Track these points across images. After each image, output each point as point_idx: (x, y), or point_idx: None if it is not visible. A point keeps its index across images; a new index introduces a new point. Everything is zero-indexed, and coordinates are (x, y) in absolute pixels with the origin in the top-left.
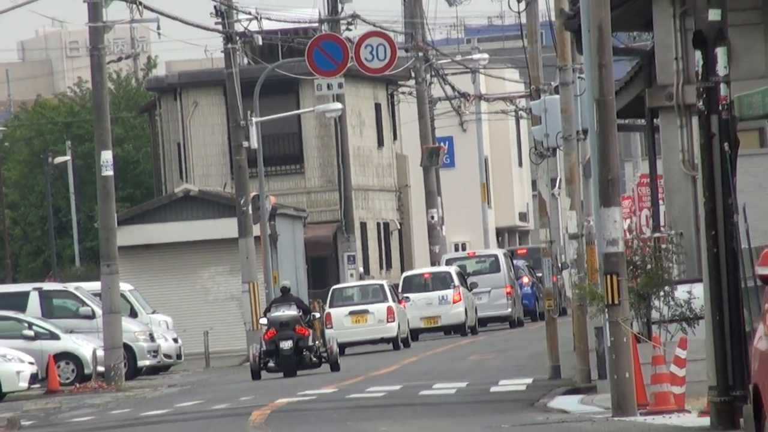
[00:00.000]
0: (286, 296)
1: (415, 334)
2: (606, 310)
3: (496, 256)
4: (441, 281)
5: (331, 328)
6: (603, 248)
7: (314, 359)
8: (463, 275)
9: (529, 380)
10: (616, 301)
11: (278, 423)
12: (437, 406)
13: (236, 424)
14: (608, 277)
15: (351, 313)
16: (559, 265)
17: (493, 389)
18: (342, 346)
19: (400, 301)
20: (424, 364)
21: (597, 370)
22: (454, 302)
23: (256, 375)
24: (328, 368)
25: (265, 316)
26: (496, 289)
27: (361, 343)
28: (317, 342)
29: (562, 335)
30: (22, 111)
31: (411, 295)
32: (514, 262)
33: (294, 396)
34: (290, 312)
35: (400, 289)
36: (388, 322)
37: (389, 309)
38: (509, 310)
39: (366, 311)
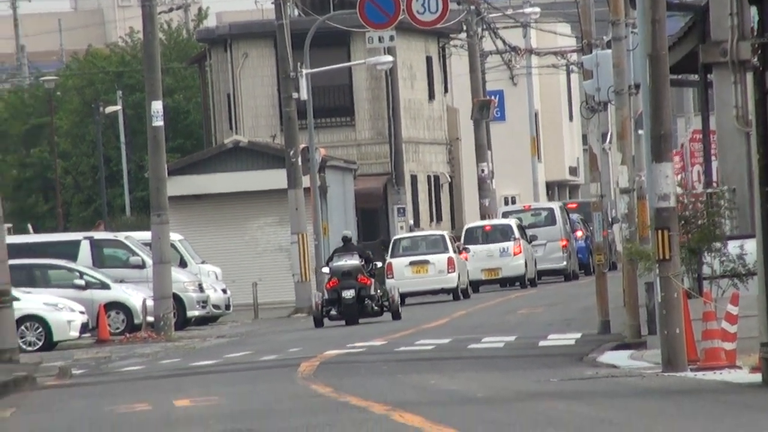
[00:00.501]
0: (348, 246)
1: (475, 285)
2: (656, 265)
3: (551, 210)
4: (502, 234)
5: (392, 278)
6: (654, 203)
7: (376, 308)
8: (523, 228)
9: (578, 335)
10: (667, 257)
11: (327, 374)
12: (486, 359)
13: (285, 375)
14: (659, 232)
15: (412, 263)
16: (610, 219)
17: (542, 343)
18: (402, 296)
19: (460, 252)
20: (474, 317)
21: (647, 326)
22: (515, 255)
23: (318, 323)
24: (390, 317)
25: (327, 265)
26: (551, 242)
27: (422, 293)
28: (378, 291)
29: (612, 290)
30: (73, 61)
31: (472, 247)
32: (569, 215)
33: (343, 348)
34: (352, 261)
35: (462, 241)
36: (448, 272)
37: (449, 260)
38: (564, 263)
39: (427, 261)
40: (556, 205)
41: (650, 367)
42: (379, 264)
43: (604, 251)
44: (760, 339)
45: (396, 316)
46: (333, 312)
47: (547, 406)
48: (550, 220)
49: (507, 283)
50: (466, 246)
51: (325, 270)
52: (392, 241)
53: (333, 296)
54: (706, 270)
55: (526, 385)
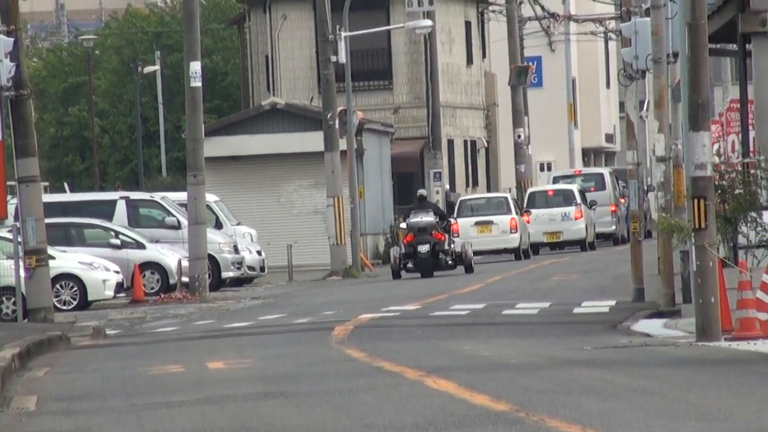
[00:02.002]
0: (423, 203)
1: (535, 248)
2: (692, 234)
3: (602, 175)
4: (564, 198)
5: (458, 236)
6: (691, 172)
7: (449, 262)
8: (583, 193)
9: (613, 302)
10: (702, 226)
11: (361, 338)
12: (520, 326)
13: (319, 338)
14: (695, 201)
15: (476, 223)
16: (645, 187)
17: (576, 310)
18: None
19: (522, 215)
20: (508, 283)
21: (681, 294)
22: (576, 219)
23: (396, 275)
24: (462, 270)
25: (404, 221)
26: (601, 207)
27: (485, 252)
28: (452, 246)
29: (647, 258)
30: (112, 20)
31: (534, 211)
32: (619, 181)
33: (377, 312)
34: (427, 218)
35: (524, 204)
36: (511, 233)
37: (512, 220)
38: (614, 227)
39: (491, 222)
40: (606, 171)
41: (684, 336)
42: (453, 221)
43: (640, 219)
44: None
45: (469, 269)
46: (409, 265)
47: (581, 374)
48: (600, 185)
49: (567, 246)
50: (528, 209)
51: (402, 225)
52: (458, 201)
53: (409, 250)
54: (741, 240)
55: (560, 352)
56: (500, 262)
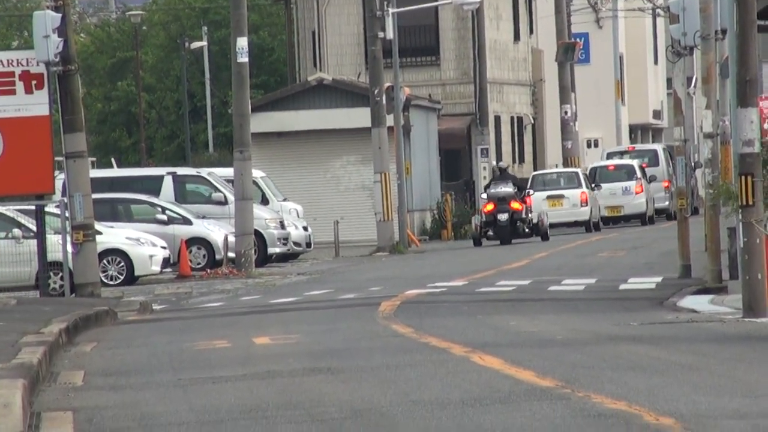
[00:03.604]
0: (504, 174)
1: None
2: (740, 210)
3: (655, 151)
4: (625, 173)
5: (531, 210)
6: (738, 148)
7: (527, 230)
8: (644, 168)
9: (659, 279)
10: (750, 202)
11: (408, 314)
12: (566, 302)
13: (365, 314)
14: (743, 177)
15: (549, 197)
16: (692, 164)
17: (623, 287)
18: None
19: (592, 189)
20: (555, 259)
21: (728, 271)
22: (636, 194)
23: (477, 242)
24: (539, 239)
25: (485, 191)
26: (654, 183)
27: (557, 225)
28: (530, 215)
29: (694, 235)
30: None
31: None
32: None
33: (424, 288)
34: (507, 189)
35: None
36: (581, 206)
37: (583, 194)
38: (667, 203)
39: (562, 196)
40: (659, 147)
41: (731, 313)
42: (532, 192)
43: (687, 195)
44: None
45: (545, 237)
46: (490, 233)
47: (627, 350)
48: (654, 161)
49: (629, 219)
50: (599, 183)
51: (483, 196)
52: (531, 176)
53: (489, 219)
54: None
55: (606, 328)
56: (570, 234)
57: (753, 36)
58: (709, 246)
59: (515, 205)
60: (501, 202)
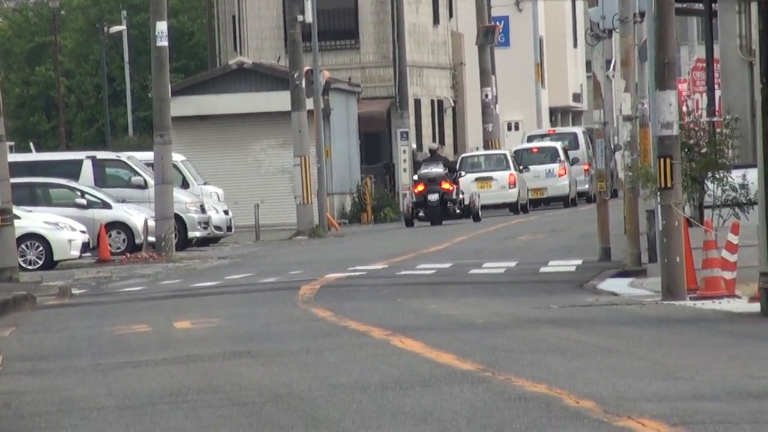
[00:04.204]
0: (434, 156)
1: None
2: (658, 193)
3: (575, 134)
4: (549, 156)
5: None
6: (657, 131)
7: (457, 211)
8: (566, 151)
9: (579, 262)
10: (668, 185)
11: (327, 298)
12: (487, 285)
13: (285, 297)
14: (662, 160)
15: (477, 179)
16: (612, 147)
17: (543, 270)
18: None
19: (520, 171)
20: (475, 242)
21: (647, 254)
22: (560, 176)
23: (408, 223)
24: (470, 220)
25: (415, 173)
26: (575, 166)
27: (486, 207)
28: (461, 196)
29: (613, 218)
30: None
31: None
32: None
33: (344, 271)
34: (437, 170)
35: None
36: (509, 188)
37: (511, 176)
38: (587, 186)
39: (490, 178)
40: (579, 130)
41: (650, 295)
42: (463, 173)
43: (606, 178)
44: (759, 268)
45: (476, 218)
46: (421, 214)
47: (547, 333)
48: (574, 144)
49: (551, 202)
50: (527, 166)
51: (414, 177)
52: (460, 158)
53: (420, 200)
54: (707, 199)
55: (526, 311)
56: (495, 216)
57: (671, 19)
58: (629, 229)
59: (446, 185)
60: (431, 183)
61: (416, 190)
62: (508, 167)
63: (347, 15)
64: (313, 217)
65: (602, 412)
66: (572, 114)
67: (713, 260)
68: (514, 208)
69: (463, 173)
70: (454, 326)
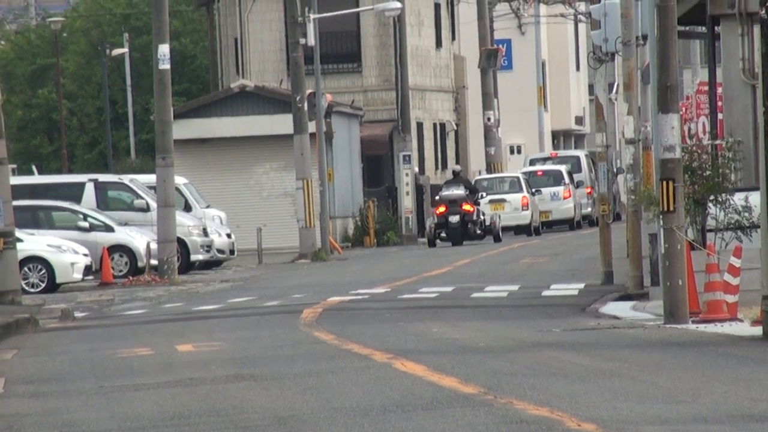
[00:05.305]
0: (456, 178)
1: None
2: (661, 216)
3: (578, 157)
4: (553, 179)
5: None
6: (660, 154)
7: (478, 231)
8: (571, 174)
9: (582, 285)
10: (671, 208)
11: (330, 321)
12: (489, 308)
13: (288, 321)
14: (664, 183)
15: (491, 201)
16: (614, 170)
17: (545, 293)
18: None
19: (532, 194)
20: (477, 266)
21: (650, 277)
22: (564, 198)
23: (431, 243)
24: (491, 239)
25: (437, 194)
26: (577, 189)
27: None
28: (482, 217)
29: (616, 241)
30: (81, 2)
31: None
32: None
33: (346, 295)
34: (458, 191)
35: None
36: (522, 210)
37: (524, 198)
38: (590, 209)
39: (504, 200)
40: (582, 153)
41: (652, 319)
42: (485, 195)
43: (609, 201)
44: (761, 292)
45: (497, 239)
46: (442, 234)
47: (550, 356)
48: (576, 167)
49: (553, 225)
50: (539, 189)
51: (437, 198)
52: (474, 180)
53: (441, 221)
54: (710, 222)
55: (529, 334)
56: (509, 239)
57: (673, 42)
58: (631, 252)
59: (466, 207)
60: (452, 204)
61: (438, 212)
62: (520, 190)
63: (350, 38)
64: (316, 240)
65: None
66: (575, 137)
67: (715, 283)
68: (527, 230)
69: (484, 194)
70: (456, 350)
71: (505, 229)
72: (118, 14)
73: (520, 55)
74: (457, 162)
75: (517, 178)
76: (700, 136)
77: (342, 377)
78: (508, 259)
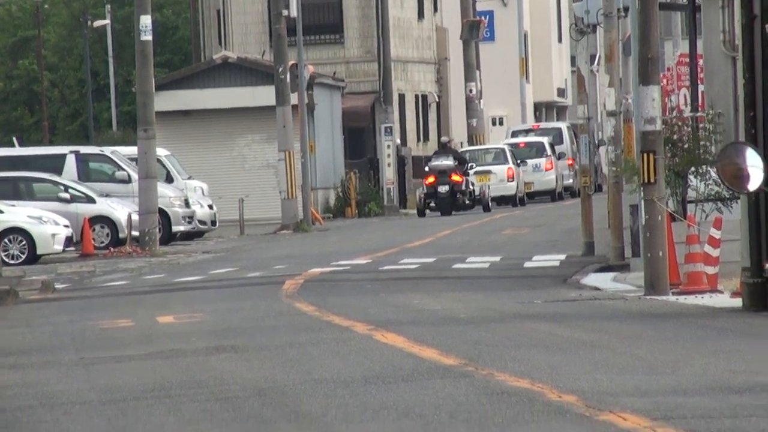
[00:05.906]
0: (445, 149)
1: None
2: (641, 188)
3: (559, 129)
4: (536, 150)
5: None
6: (641, 126)
7: (467, 201)
8: (553, 146)
9: (563, 256)
10: (652, 180)
11: (311, 293)
12: (470, 279)
13: (269, 292)
14: (645, 155)
15: (477, 172)
16: (596, 141)
17: (527, 264)
18: None
19: (517, 165)
20: (459, 237)
21: (631, 248)
22: (546, 170)
23: (420, 213)
24: (481, 209)
25: (426, 165)
26: (559, 161)
27: None
28: (471, 187)
29: (597, 212)
30: None
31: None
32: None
33: (327, 266)
34: (447, 162)
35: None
36: (508, 181)
37: (510, 170)
38: (571, 180)
39: (490, 171)
40: (563, 125)
41: (633, 290)
42: (474, 165)
43: (590, 173)
44: (741, 263)
45: (486, 209)
46: (432, 204)
47: (531, 328)
48: (558, 139)
49: (535, 196)
50: (524, 160)
51: (426, 169)
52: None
53: (431, 191)
54: (690, 194)
55: (510, 306)
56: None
57: (654, 14)
58: (612, 223)
59: (455, 177)
60: (441, 174)
61: (427, 182)
62: (506, 161)
63: (332, 10)
64: (298, 211)
65: (584, 406)
66: (557, 109)
67: (696, 255)
68: (512, 200)
69: (474, 165)
70: (437, 321)
71: (492, 200)
72: None
73: (502, 26)
74: (440, 133)
75: (503, 149)
76: (681, 108)
77: (323, 349)
78: (490, 230)
